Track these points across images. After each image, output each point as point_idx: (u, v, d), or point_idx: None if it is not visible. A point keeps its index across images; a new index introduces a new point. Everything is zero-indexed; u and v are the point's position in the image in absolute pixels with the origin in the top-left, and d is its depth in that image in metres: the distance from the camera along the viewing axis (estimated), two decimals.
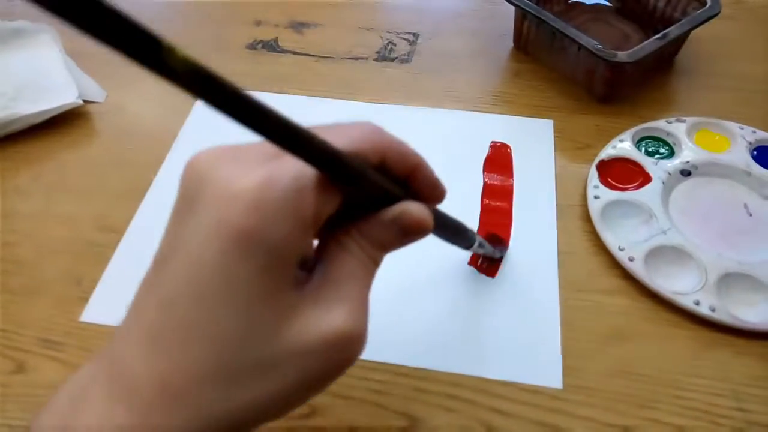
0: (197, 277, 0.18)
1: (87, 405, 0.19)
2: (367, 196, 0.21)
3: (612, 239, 0.39)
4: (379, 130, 0.21)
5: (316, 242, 0.22)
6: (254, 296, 0.18)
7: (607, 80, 0.47)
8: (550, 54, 0.51)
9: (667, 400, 0.33)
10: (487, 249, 0.36)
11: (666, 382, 0.34)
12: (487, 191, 0.43)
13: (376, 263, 0.22)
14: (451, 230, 0.29)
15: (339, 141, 0.19)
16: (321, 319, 0.19)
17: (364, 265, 0.21)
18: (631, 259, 0.38)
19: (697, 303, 0.36)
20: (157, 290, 0.19)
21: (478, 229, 0.41)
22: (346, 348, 0.20)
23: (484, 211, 0.42)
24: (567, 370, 0.34)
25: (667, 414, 0.33)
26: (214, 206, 0.18)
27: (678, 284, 0.37)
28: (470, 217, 0.42)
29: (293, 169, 0.18)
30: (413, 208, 0.22)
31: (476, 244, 0.33)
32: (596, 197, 0.41)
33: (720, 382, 0.34)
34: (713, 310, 0.35)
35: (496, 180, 0.44)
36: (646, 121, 0.46)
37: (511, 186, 0.43)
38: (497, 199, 0.43)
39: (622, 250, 0.38)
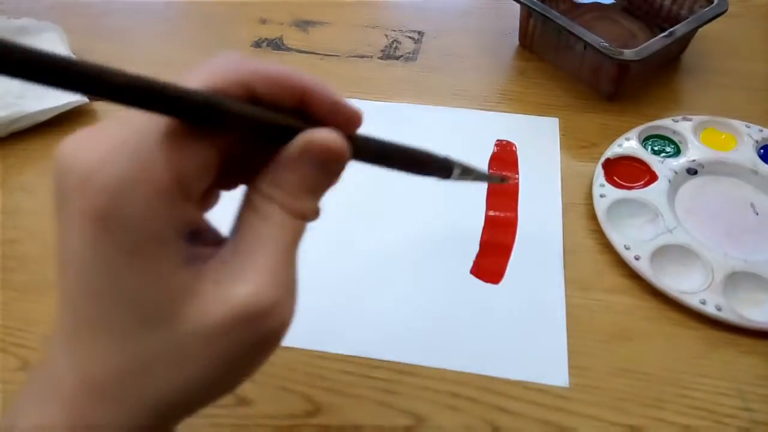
0: (82, 273, 0.17)
1: (27, 406, 0.19)
2: (260, 140, 0.18)
3: (618, 238, 0.39)
4: (239, 60, 0.19)
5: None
6: (135, 283, 0.17)
7: (613, 78, 0.47)
8: (555, 52, 0.51)
9: (673, 399, 0.33)
10: (478, 174, 0.28)
11: (672, 381, 0.34)
12: (492, 192, 0.43)
13: (298, 215, 0.19)
14: (399, 159, 0.23)
15: (192, 81, 0.17)
16: (222, 297, 0.18)
17: (276, 223, 0.19)
18: (636, 258, 0.37)
19: (704, 302, 0.35)
20: (60, 292, 0.18)
21: (483, 231, 0.41)
22: (257, 324, 0.18)
23: (489, 218, 0.42)
24: (573, 369, 0.34)
25: (672, 413, 0.33)
26: (73, 196, 0.17)
27: (684, 283, 0.37)
28: (476, 216, 0.42)
29: (133, 132, 0.17)
30: (318, 135, 0.19)
31: (458, 172, 0.27)
32: (602, 196, 0.41)
33: (726, 382, 0.34)
34: (719, 309, 0.35)
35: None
36: (652, 120, 0.46)
37: (517, 187, 0.43)
38: (502, 200, 0.43)
39: (627, 248, 0.38)
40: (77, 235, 0.17)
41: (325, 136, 0.19)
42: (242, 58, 0.19)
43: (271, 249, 0.18)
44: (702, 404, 0.33)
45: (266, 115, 0.18)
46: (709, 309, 0.35)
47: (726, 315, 0.35)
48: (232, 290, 0.18)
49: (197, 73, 0.18)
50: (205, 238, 0.21)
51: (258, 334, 0.18)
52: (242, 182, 0.21)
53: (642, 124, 0.46)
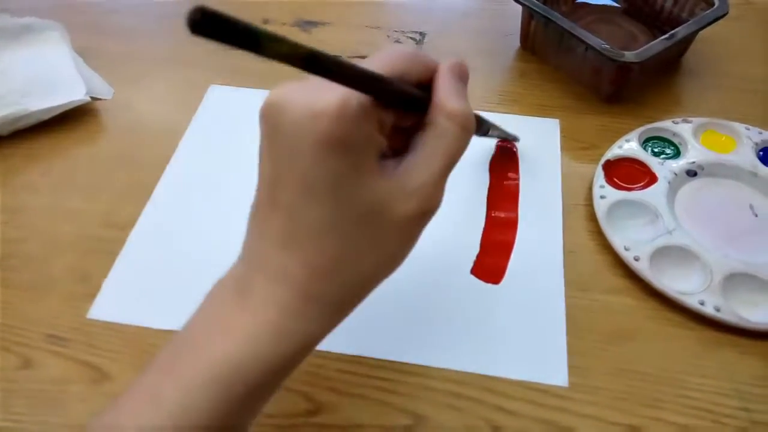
0: (309, 187, 0.22)
1: (242, 298, 0.24)
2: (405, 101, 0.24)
3: (617, 239, 0.39)
4: (400, 52, 0.24)
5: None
6: (353, 186, 0.22)
7: (614, 80, 0.47)
8: (556, 54, 0.51)
9: (672, 399, 0.33)
10: (502, 132, 0.40)
11: (670, 382, 0.34)
12: (494, 193, 0.43)
13: (457, 121, 0.24)
14: None
15: (373, 64, 0.23)
16: (408, 198, 0.23)
17: (443, 131, 0.24)
18: (636, 259, 0.38)
19: (702, 303, 0.36)
20: (276, 205, 0.23)
21: (484, 231, 0.41)
22: (427, 218, 0.24)
23: (490, 218, 0.42)
24: (572, 369, 0.34)
25: (671, 413, 0.33)
26: (303, 124, 0.21)
27: (683, 284, 0.37)
28: (477, 216, 0.42)
29: (354, 92, 0.22)
30: (453, 60, 0.26)
31: (488, 129, 0.36)
32: (602, 197, 0.41)
33: (724, 382, 0.34)
34: (718, 309, 0.35)
35: (501, 181, 0.44)
36: (652, 122, 0.46)
37: (517, 187, 0.43)
38: (503, 200, 0.43)
39: (627, 249, 0.38)
40: (307, 152, 0.21)
41: (457, 60, 0.26)
42: (401, 50, 0.25)
43: (439, 158, 0.24)
44: (700, 404, 0.33)
45: (409, 90, 0.24)
46: (708, 309, 0.35)
47: (724, 316, 0.35)
48: (417, 190, 0.23)
49: (376, 60, 0.23)
50: (386, 155, 0.26)
51: (426, 222, 0.25)
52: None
53: (642, 125, 0.46)
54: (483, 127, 0.35)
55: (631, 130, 0.46)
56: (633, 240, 0.39)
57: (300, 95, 0.22)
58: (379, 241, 0.23)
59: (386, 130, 0.24)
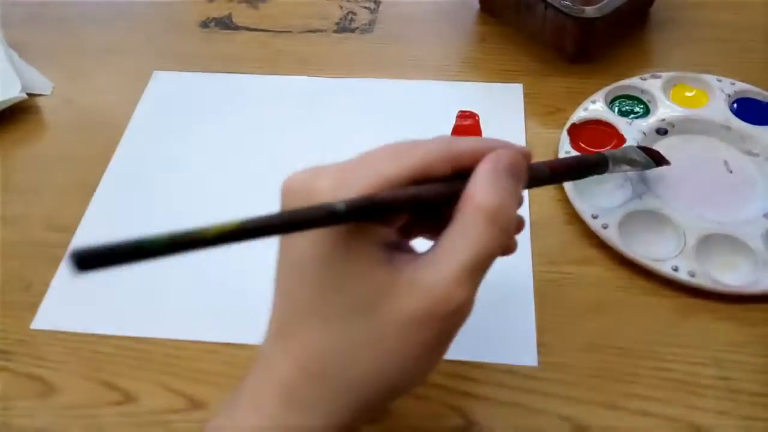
0: (305, 271, 0.21)
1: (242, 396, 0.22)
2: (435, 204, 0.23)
3: (585, 207, 0.37)
4: (448, 141, 0.23)
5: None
6: (346, 275, 0.21)
7: (577, 38, 0.45)
8: (516, 15, 0.49)
9: (648, 372, 0.32)
10: (638, 161, 0.36)
11: (645, 354, 0.32)
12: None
13: (493, 221, 0.21)
14: (573, 172, 0.32)
15: (405, 160, 0.22)
16: (416, 293, 0.20)
17: (473, 225, 0.21)
18: (605, 227, 0.36)
19: (676, 269, 0.34)
20: (276, 287, 0.23)
21: None
22: (445, 319, 0.21)
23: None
24: (542, 347, 0.33)
25: (647, 387, 0.31)
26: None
27: (655, 250, 0.35)
28: None
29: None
30: (501, 151, 0.23)
31: (611, 165, 0.34)
32: None
33: (701, 351, 0.32)
34: (693, 275, 0.34)
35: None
36: (620, 80, 0.44)
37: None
38: None
39: (595, 218, 0.36)
40: (308, 242, 0.21)
41: (514, 150, 0.23)
42: (443, 141, 0.23)
43: (460, 254, 0.21)
44: (678, 376, 0.32)
45: (422, 193, 0.22)
46: (682, 276, 0.34)
47: (700, 281, 0.34)
48: (426, 288, 0.20)
49: (408, 156, 0.22)
50: (403, 248, 0.24)
51: (444, 329, 0.21)
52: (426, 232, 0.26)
53: (610, 84, 0.44)
54: (603, 167, 0.33)
55: (598, 90, 0.44)
56: (601, 207, 0.37)
57: (317, 177, 0.22)
58: (378, 341, 0.21)
59: (395, 221, 0.23)
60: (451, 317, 0.21)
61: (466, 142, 0.23)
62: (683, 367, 0.32)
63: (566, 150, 0.40)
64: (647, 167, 0.37)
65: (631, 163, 0.36)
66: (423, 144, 0.23)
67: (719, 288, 0.33)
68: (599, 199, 0.37)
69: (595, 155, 0.32)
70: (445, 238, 0.21)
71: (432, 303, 0.20)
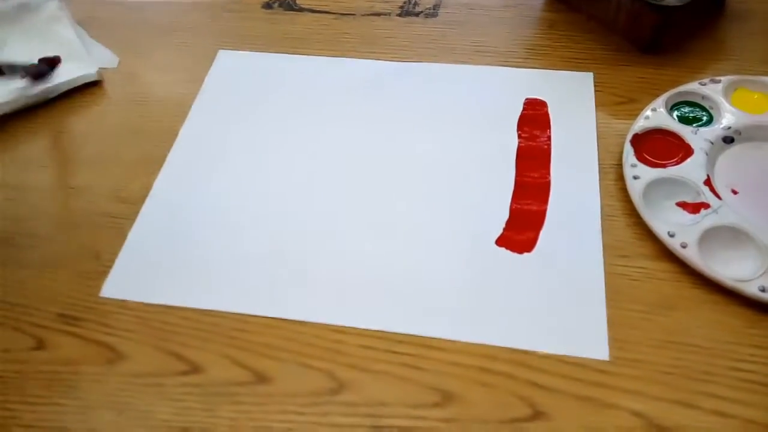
0: None
1: None
2: None
3: (659, 224, 0.35)
4: None
5: None
6: None
7: (653, 27, 0.43)
8: (588, 1, 0.47)
9: (723, 372, 0.31)
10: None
11: (721, 353, 0.31)
12: (523, 155, 0.40)
13: None
14: None
15: None
16: None
17: None
18: (683, 246, 0.34)
19: (763, 290, 0.32)
20: None
21: (513, 197, 0.38)
22: None
23: (519, 183, 0.39)
24: (613, 342, 0.32)
25: (723, 387, 0.30)
26: None
27: (737, 269, 0.33)
28: (503, 183, 0.39)
29: None
30: None
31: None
32: (635, 177, 0.37)
33: None
34: None
35: (531, 141, 0.41)
36: (696, 72, 0.43)
37: (549, 148, 0.40)
38: (533, 163, 0.40)
39: (672, 236, 0.34)
40: None
41: None
42: None
43: None
44: (754, 377, 0.30)
45: None
46: None
47: None
48: None
49: None
50: None
51: None
52: None
53: (685, 77, 0.42)
54: None
55: (673, 81, 0.42)
56: (676, 223, 0.35)
57: None
58: None
59: None
60: None
61: None
62: (762, 369, 0.31)
63: (632, 163, 0.38)
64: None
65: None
66: None
67: None
68: (672, 214, 0.36)
69: None
70: None
71: None
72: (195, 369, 0.33)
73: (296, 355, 0.33)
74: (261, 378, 0.32)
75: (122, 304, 0.35)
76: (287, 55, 0.48)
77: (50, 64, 0.47)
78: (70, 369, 0.33)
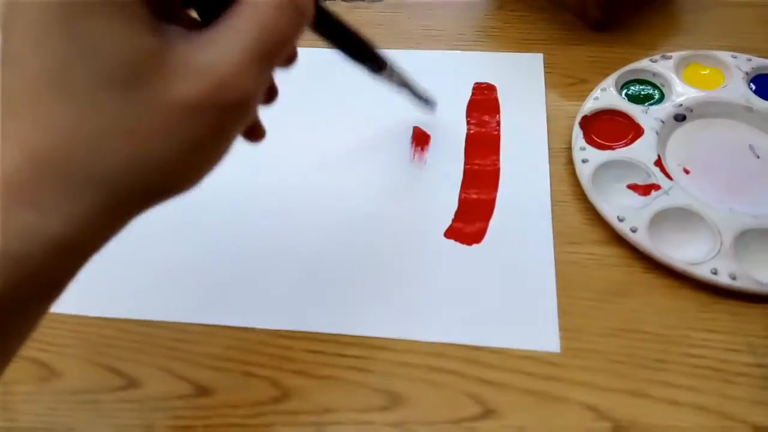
0: (33, 30, 0.16)
1: None
2: None
3: (609, 209, 0.34)
4: None
5: None
6: (94, 37, 0.16)
7: (603, 4, 0.42)
8: None
9: (676, 359, 0.30)
10: (407, 83, 0.35)
11: (674, 340, 0.31)
12: (471, 142, 0.39)
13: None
14: (355, 41, 0.30)
15: None
16: (192, 72, 0.17)
17: (256, 4, 0.18)
18: (633, 230, 0.33)
19: (715, 272, 0.31)
20: (3, 56, 0.17)
21: (462, 186, 0.37)
22: (218, 112, 0.18)
23: (468, 171, 0.38)
24: (564, 332, 0.31)
25: (676, 374, 0.29)
26: None
27: (689, 251, 0.32)
28: (452, 172, 0.38)
29: None
30: None
31: (388, 69, 0.33)
32: (584, 161, 0.36)
33: (734, 336, 0.30)
34: (734, 278, 0.31)
35: (480, 128, 0.40)
36: (649, 49, 0.42)
37: (498, 134, 0.39)
38: (482, 150, 0.38)
39: (622, 220, 0.33)
40: None
41: None
42: None
43: (246, 34, 0.18)
44: (709, 363, 0.30)
45: None
46: (723, 279, 0.31)
47: (742, 284, 0.31)
48: (204, 69, 0.17)
49: None
50: (183, 22, 0.21)
51: (221, 122, 0.18)
52: None
53: (638, 54, 0.41)
54: (378, 65, 0.32)
55: (625, 59, 0.41)
56: (626, 207, 0.34)
57: None
58: (138, 127, 0.17)
59: None
60: (231, 109, 0.18)
61: None
62: (715, 354, 0.30)
63: (581, 146, 0.37)
64: (419, 98, 0.37)
65: (404, 85, 0.35)
66: None
67: (764, 290, 0.31)
68: (622, 197, 0.35)
69: (379, 54, 0.32)
70: (229, 17, 0.18)
71: (211, 88, 0.17)
72: (132, 383, 0.31)
73: (239, 364, 0.31)
74: (201, 390, 0.31)
75: (56, 318, 0.34)
76: None
77: None
78: (1, 389, 0.32)
